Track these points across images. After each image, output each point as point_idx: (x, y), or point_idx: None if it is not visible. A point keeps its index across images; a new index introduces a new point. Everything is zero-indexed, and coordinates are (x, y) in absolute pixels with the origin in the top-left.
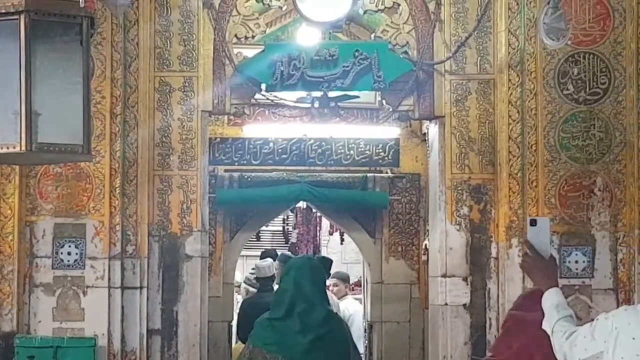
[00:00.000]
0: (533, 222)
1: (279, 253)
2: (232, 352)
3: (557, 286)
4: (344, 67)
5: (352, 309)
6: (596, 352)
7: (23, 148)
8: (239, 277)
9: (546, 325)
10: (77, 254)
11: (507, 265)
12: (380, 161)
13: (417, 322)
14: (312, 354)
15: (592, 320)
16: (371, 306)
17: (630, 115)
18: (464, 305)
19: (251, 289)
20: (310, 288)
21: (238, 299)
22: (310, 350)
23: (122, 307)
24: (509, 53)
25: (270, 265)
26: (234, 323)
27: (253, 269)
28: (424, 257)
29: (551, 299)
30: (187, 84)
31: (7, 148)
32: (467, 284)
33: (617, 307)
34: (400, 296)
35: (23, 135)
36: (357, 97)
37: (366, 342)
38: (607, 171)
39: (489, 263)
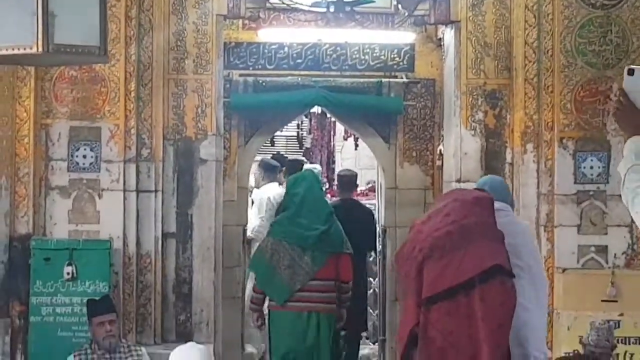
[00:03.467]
0: (630, 72)
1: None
2: None
3: None
4: None
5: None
6: None
7: (39, 49)
8: (252, 181)
9: (621, 168)
10: (92, 157)
11: (522, 170)
12: (395, 66)
13: None
14: (320, 242)
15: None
16: (385, 211)
17: None
18: None
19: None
20: (317, 193)
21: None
22: (319, 240)
23: (137, 210)
24: None
25: (319, 172)
26: (249, 226)
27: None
28: (438, 163)
29: (633, 146)
30: None
31: (24, 49)
32: None
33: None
34: (414, 201)
35: (39, 36)
36: (373, 1)
37: (380, 246)
38: (623, 77)
39: (503, 168)
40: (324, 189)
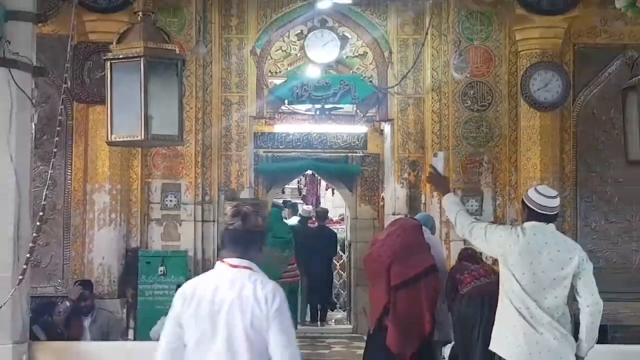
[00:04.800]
0: (435, 154)
1: (292, 201)
2: None
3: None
4: (334, 90)
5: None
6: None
7: (143, 137)
8: None
9: (450, 214)
10: (175, 201)
11: (430, 207)
12: (355, 146)
13: None
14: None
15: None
16: (350, 232)
17: (504, 119)
18: None
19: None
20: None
21: None
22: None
23: (202, 233)
24: (432, 82)
25: (311, 210)
26: None
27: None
28: (381, 203)
29: (450, 199)
30: (240, 100)
31: (134, 137)
32: None
33: None
34: (367, 226)
35: (142, 130)
36: (342, 108)
37: (347, 253)
38: (490, 152)
39: (420, 207)
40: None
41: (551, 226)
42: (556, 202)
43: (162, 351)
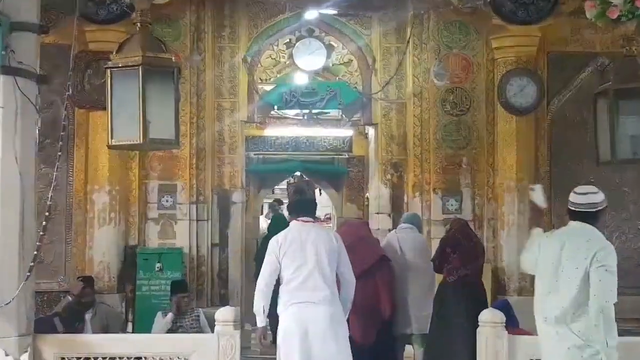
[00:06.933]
0: (532, 188)
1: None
2: None
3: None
4: (321, 96)
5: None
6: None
7: (141, 141)
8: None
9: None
10: (171, 201)
11: (412, 206)
12: (341, 149)
13: None
14: None
15: None
16: (336, 230)
17: (482, 123)
18: (388, 229)
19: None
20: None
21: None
22: None
23: (197, 231)
24: (414, 88)
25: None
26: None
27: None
28: (366, 203)
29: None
30: (232, 106)
31: (133, 141)
32: (390, 218)
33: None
34: None
35: (141, 134)
36: (328, 112)
37: None
38: (469, 154)
39: (402, 206)
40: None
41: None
42: (581, 199)
43: (264, 276)
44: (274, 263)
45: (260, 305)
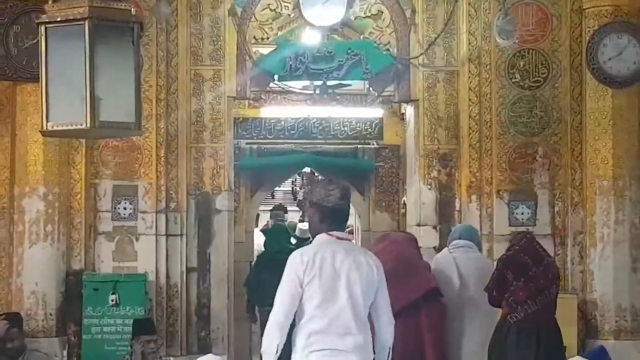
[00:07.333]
0: None
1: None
2: None
3: None
4: (339, 61)
5: None
6: None
7: (88, 125)
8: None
9: None
10: (131, 208)
11: (468, 216)
12: (368, 135)
13: None
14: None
15: None
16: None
17: (565, 99)
18: (434, 247)
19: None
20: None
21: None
22: None
23: (167, 250)
24: (469, 50)
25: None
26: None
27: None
28: (402, 210)
29: None
30: (216, 76)
31: (76, 125)
32: (437, 231)
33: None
34: None
35: (88, 115)
36: (350, 85)
37: None
38: (546, 142)
39: (453, 215)
40: None
41: None
42: None
43: (283, 303)
44: (296, 287)
45: (273, 343)
